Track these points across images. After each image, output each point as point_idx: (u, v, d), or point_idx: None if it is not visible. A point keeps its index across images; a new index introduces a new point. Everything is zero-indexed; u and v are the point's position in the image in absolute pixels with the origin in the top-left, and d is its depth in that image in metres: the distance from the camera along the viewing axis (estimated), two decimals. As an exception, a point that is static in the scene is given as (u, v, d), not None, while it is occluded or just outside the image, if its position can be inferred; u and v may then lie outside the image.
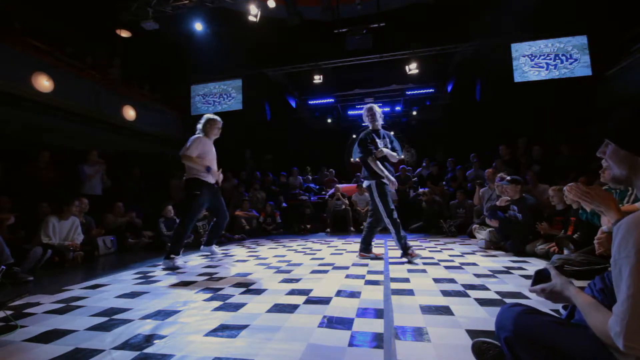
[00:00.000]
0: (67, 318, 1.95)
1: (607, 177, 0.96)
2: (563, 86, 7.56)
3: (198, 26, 7.85)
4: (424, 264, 3.26)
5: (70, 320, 1.89)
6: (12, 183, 4.89)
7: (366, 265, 3.28)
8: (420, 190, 6.91)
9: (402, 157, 11.09)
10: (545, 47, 7.68)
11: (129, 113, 7.79)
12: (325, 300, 2.11)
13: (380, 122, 3.66)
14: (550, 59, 7.63)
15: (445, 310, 1.86)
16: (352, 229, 6.90)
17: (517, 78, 7.75)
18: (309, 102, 11.62)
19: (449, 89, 10.11)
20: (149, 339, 1.58)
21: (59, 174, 5.35)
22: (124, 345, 1.52)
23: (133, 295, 2.42)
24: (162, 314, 1.95)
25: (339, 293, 2.28)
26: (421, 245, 4.63)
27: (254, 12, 6.89)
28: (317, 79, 8.71)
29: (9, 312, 1.99)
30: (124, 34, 7.87)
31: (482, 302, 1.99)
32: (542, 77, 7.65)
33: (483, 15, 7.33)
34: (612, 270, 0.79)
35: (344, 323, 1.71)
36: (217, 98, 9.52)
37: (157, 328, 1.73)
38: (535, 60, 7.71)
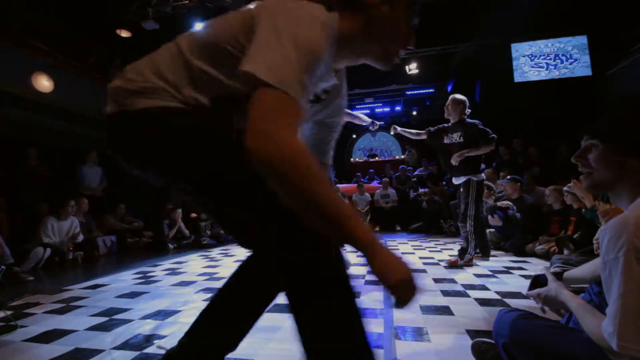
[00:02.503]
0: (67, 318, 1.95)
1: (587, 184, 0.92)
2: (563, 86, 7.57)
3: (198, 26, 7.85)
4: (424, 264, 3.27)
5: (70, 320, 1.89)
6: (10, 183, 4.88)
7: (366, 264, 3.27)
8: (421, 190, 6.91)
9: (402, 157, 11.13)
10: (545, 47, 7.69)
11: (129, 113, 7.78)
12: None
13: None
14: (550, 59, 7.64)
15: (445, 310, 1.86)
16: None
17: (517, 78, 7.76)
18: (309, 102, 11.61)
19: (449, 89, 10.10)
20: (149, 339, 1.58)
21: (57, 174, 5.34)
22: (124, 345, 1.52)
23: (133, 295, 2.42)
24: (162, 314, 1.95)
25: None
26: (421, 245, 4.63)
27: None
28: (317, 78, 8.70)
29: (9, 312, 1.99)
30: (124, 34, 7.87)
31: (482, 302, 1.99)
32: (542, 77, 7.66)
33: (483, 15, 7.32)
34: (602, 273, 0.79)
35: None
36: (217, 98, 9.52)
37: (157, 328, 1.73)
38: (535, 60, 7.71)
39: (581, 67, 7.43)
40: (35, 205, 4.65)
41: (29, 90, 5.67)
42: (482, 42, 7.93)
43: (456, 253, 3.23)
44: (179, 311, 2.00)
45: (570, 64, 7.51)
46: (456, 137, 3.20)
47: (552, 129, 7.48)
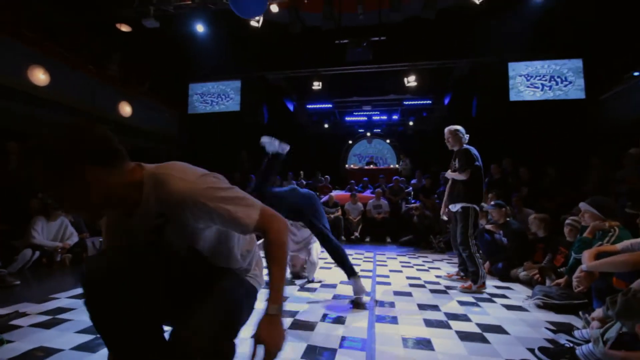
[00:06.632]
0: (53, 333, 1.96)
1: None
2: (556, 108, 7.71)
3: (199, 27, 7.84)
4: (410, 285, 3.32)
5: (56, 337, 1.91)
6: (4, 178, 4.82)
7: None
8: (412, 204, 6.99)
9: (397, 166, 11.21)
10: (541, 68, 7.82)
11: (125, 109, 7.73)
12: (310, 326, 2.16)
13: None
14: (546, 80, 7.77)
15: (426, 344, 1.91)
16: (343, 238, 6.95)
17: (513, 97, 7.88)
18: (307, 106, 11.64)
19: (446, 102, 10.21)
20: None
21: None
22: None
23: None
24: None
25: (324, 318, 2.32)
26: (409, 262, 4.69)
27: (256, 17, 6.89)
28: (316, 85, 8.74)
29: (-5, 326, 2.00)
30: (124, 28, 7.81)
31: (463, 336, 2.04)
32: (536, 97, 7.79)
33: (482, 33, 7.43)
34: None
35: (326, 354, 1.76)
36: (215, 98, 9.50)
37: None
38: (531, 81, 7.84)
39: (575, 90, 7.57)
40: (25, 201, 4.60)
41: (25, 83, 5.61)
42: (481, 59, 8.04)
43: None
44: (166, 331, 2.02)
45: (565, 86, 7.64)
46: (455, 163, 3.35)
47: (542, 150, 7.61)
